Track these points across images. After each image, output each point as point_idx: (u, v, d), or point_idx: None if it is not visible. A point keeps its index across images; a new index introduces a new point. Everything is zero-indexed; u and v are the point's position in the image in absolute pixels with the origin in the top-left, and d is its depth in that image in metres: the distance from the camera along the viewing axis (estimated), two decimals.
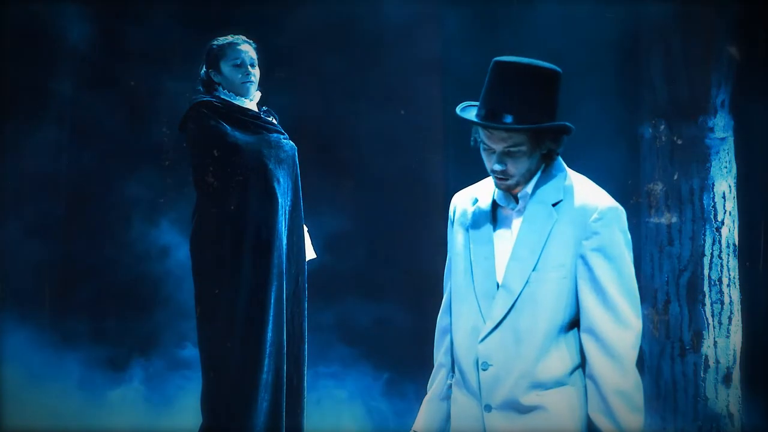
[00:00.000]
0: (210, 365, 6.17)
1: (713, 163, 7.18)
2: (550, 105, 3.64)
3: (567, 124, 3.65)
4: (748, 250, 7.28)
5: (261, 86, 6.31)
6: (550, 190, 3.70)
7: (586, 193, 3.71)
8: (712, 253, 7.16)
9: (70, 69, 7.89)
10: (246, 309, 6.11)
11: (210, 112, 6.13)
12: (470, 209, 3.82)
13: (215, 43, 6.30)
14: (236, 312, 6.11)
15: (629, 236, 3.70)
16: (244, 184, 6.12)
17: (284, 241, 6.21)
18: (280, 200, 6.18)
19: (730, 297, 7.18)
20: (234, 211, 6.11)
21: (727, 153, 7.21)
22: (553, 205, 3.69)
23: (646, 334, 7.23)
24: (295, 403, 6.28)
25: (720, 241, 7.17)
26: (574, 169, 3.79)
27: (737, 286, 7.21)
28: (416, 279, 7.70)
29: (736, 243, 7.23)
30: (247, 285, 6.11)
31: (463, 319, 3.76)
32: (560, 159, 3.76)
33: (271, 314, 6.13)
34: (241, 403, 6.10)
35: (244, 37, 6.34)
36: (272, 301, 6.13)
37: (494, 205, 3.78)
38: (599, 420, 3.63)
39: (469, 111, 3.73)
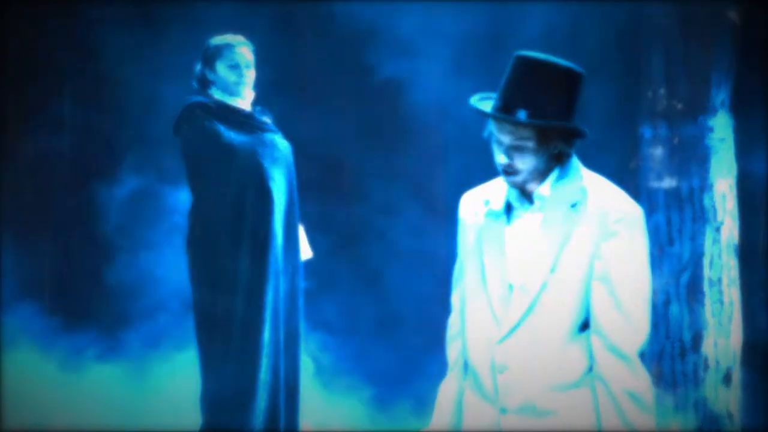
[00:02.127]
0: (208, 365, 6.17)
1: (713, 163, 7.17)
2: (566, 104, 3.60)
3: (577, 126, 3.62)
4: (748, 250, 7.28)
5: (256, 87, 6.33)
6: (568, 192, 3.66)
7: (606, 194, 3.67)
8: (712, 253, 7.16)
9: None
10: (243, 308, 6.11)
11: (204, 113, 6.14)
12: (482, 210, 3.78)
13: (213, 42, 6.31)
14: (234, 311, 6.11)
15: (647, 238, 3.68)
16: (240, 184, 6.13)
17: (280, 240, 6.21)
18: (275, 199, 6.18)
19: (730, 297, 7.17)
20: (230, 211, 6.12)
21: (727, 153, 7.20)
22: (572, 206, 3.66)
23: None
24: (291, 402, 6.28)
25: (720, 241, 7.16)
26: None
27: (737, 286, 7.20)
28: (416, 279, 7.70)
29: (736, 243, 7.22)
30: (244, 284, 6.12)
31: (475, 322, 3.73)
32: (576, 160, 3.72)
33: (269, 313, 6.13)
34: (239, 402, 6.10)
35: (241, 38, 6.35)
36: (269, 300, 6.13)
37: (508, 205, 3.75)
38: (610, 421, 3.62)
39: (485, 102, 3.69)
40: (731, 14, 7.08)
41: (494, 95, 3.67)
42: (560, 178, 3.69)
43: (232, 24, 6.70)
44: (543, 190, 3.68)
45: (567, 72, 3.62)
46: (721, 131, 7.19)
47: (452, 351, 3.88)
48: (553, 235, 3.64)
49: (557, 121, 3.59)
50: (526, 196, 3.72)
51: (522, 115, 3.57)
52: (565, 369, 3.64)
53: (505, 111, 3.60)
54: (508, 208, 3.75)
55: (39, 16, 7.73)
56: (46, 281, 7.85)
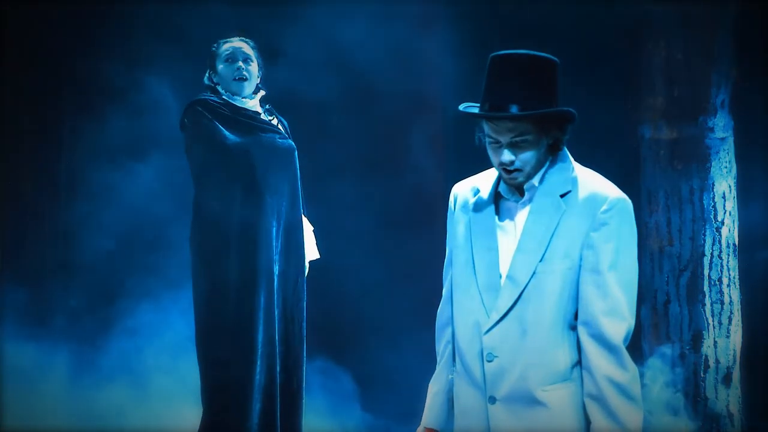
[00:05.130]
0: (205, 364, 6.17)
1: (713, 163, 7.17)
2: (551, 93, 3.65)
3: (570, 109, 3.65)
4: (748, 250, 7.28)
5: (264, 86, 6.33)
6: (557, 182, 3.70)
7: (595, 184, 3.70)
8: (712, 253, 7.16)
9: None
10: (235, 310, 6.10)
11: (204, 111, 6.13)
12: (471, 200, 3.81)
13: (213, 45, 6.32)
14: (226, 313, 6.10)
15: (636, 228, 3.70)
16: (230, 184, 6.12)
17: (275, 242, 6.19)
18: (268, 200, 6.16)
19: (730, 297, 7.17)
20: (220, 210, 6.11)
21: (727, 153, 7.20)
22: (561, 196, 3.68)
23: (646, 334, 7.23)
24: (293, 406, 6.28)
25: (720, 241, 7.16)
26: None
27: (737, 286, 7.20)
28: (417, 279, 7.70)
29: (736, 243, 7.22)
30: (234, 286, 6.11)
31: (465, 311, 3.75)
32: (566, 151, 3.76)
33: (261, 315, 6.12)
34: (234, 403, 6.10)
35: (240, 37, 6.35)
36: (261, 302, 6.12)
37: (497, 196, 3.77)
38: (593, 410, 3.62)
39: (471, 109, 3.72)
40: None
41: (476, 104, 3.69)
42: (551, 169, 3.72)
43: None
44: (533, 181, 3.71)
45: (544, 62, 3.67)
46: (721, 131, 7.19)
47: (441, 341, 3.90)
48: (543, 225, 3.67)
49: (552, 108, 3.63)
50: (516, 187, 3.74)
51: (516, 110, 3.60)
52: (555, 359, 3.65)
53: (497, 110, 3.62)
54: (498, 198, 3.77)
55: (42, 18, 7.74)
56: (46, 281, 7.85)
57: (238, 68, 6.22)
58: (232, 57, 6.23)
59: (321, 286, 6.86)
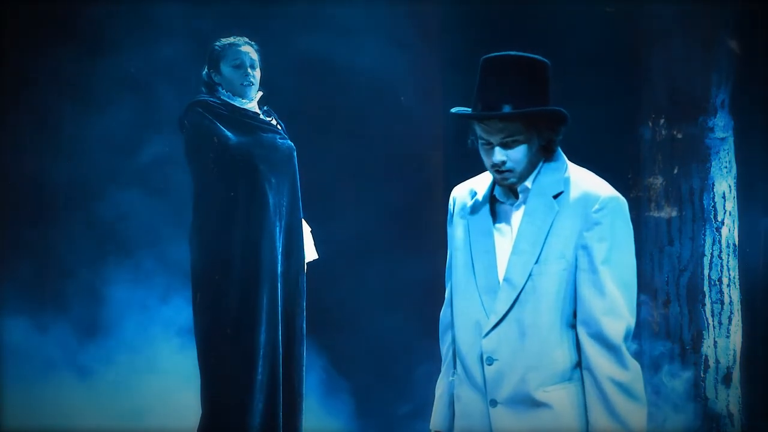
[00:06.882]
0: (206, 364, 6.18)
1: (713, 163, 7.17)
2: (542, 94, 3.64)
3: (561, 109, 3.65)
4: (748, 250, 7.28)
5: (263, 87, 6.32)
6: (550, 182, 3.70)
7: (587, 183, 3.70)
8: (712, 253, 7.16)
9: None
10: (237, 311, 6.10)
11: (204, 111, 6.13)
12: (469, 203, 3.82)
13: (217, 44, 6.31)
14: (228, 314, 6.10)
15: (631, 227, 3.70)
16: (233, 185, 6.12)
17: (278, 242, 6.20)
18: (271, 200, 6.16)
19: (730, 297, 7.17)
20: (222, 211, 6.11)
21: (727, 153, 7.20)
22: (554, 197, 3.68)
23: (646, 334, 7.23)
24: (294, 404, 6.28)
25: (720, 241, 7.16)
26: None
27: (737, 286, 7.20)
28: (417, 279, 7.70)
29: (736, 243, 7.22)
30: (237, 286, 6.10)
31: (464, 314, 3.76)
32: (561, 151, 3.76)
33: (264, 315, 6.12)
34: (236, 403, 6.10)
35: (246, 39, 6.34)
36: (264, 302, 6.11)
37: (492, 199, 3.78)
38: (598, 411, 3.63)
39: (462, 112, 3.73)
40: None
41: (468, 108, 3.70)
42: (544, 170, 3.72)
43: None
44: (526, 183, 3.71)
45: (535, 63, 3.67)
46: (721, 131, 7.19)
47: (444, 343, 3.92)
48: (536, 227, 3.68)
49: (543, 107, 3.62)
50: (510, 190, 3.74)
51: (508, 109, 3.61)
52: (554, 361, 3.66)
53: (487, 111, 3.63)
54: (494, 201, 3.77)
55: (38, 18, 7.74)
56: (46, 280, 7.84)
57: (246, 75, 6.23)
58: (241, 63, 6.23)
59: (319, 287, 6.86)
